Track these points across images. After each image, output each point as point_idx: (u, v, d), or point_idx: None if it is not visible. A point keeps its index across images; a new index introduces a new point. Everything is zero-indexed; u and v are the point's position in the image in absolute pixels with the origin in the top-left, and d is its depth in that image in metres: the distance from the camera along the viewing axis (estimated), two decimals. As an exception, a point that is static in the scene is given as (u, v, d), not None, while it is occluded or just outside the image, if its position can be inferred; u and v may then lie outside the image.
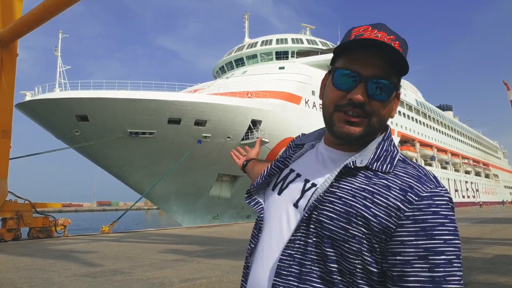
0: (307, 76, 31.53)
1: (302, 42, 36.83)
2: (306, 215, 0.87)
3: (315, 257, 0.84)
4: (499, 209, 41.38)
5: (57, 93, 22.51)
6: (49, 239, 13.57)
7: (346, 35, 0.91)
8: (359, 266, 0.80)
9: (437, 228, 0.77)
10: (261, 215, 1.02)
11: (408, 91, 53.11)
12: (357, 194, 0.83)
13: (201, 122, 23.53)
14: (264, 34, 40.32)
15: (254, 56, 35.46)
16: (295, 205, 0.92)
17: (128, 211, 21.53)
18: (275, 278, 0.87)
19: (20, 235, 13.44)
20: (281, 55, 35.13)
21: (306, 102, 30.58)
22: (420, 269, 0.76)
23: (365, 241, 0.79)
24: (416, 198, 0.79)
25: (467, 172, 65.65)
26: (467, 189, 62.76)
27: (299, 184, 0.95)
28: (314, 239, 0.85)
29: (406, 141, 46.97)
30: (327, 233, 0.83)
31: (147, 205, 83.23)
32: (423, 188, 0.80)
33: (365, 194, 0.82)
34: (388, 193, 0.81)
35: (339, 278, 0.81)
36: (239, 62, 36.01)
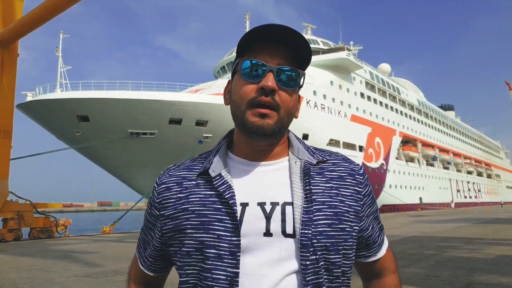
0: (308, 76, 31.36)
1: (303, 42, 36.79)
2: (307, 236, 0.82)
3: (323, 270, 0.83)
4: (500, 209, 41.29)
5: (58, 94, 22.54)
6: (50, 239, 13.59)
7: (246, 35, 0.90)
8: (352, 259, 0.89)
9: (372, 193, 0.96)
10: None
11: (410, 91, 53.05)
12: (330, 194, 0.87)
13: (202, 122, 23.53)
14: (265, 34, 40.23)
15: (255, 56, 35.49)
16: (285, 233, 0.83)
17: (129, 212, 21.53)
18: None
19: (21, 235, 13.45)
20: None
21: (307, 102, 30.54)
22: (376, 225, 0.98)
23: (353, 233, 0.88)
24: (361, 177, 0.93)
25: (469, 172, 65.53)
26: (469, 190, 62.65)
27: (276, 212, 0.85)
28: (319, 253, 0.82)
29: (408, 141, 46.89)
30: (331, 240, 0.83)
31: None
32: (356, 168, 0.95)
33: (335, 191, 0.88)
34: (346, 182, 0.91)
35: (340, 280, 0.86)
36: (240, 62, 36.03)
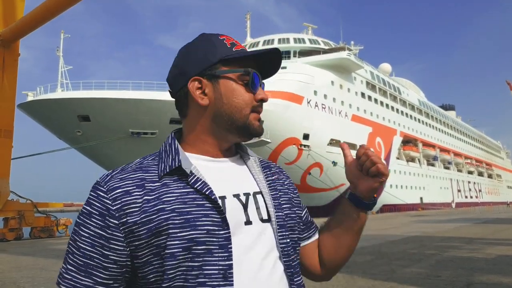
0: (309, 76, 31.49)
1: (304, 42, 36.80)
2: (281, 218, 0.94)
3: (291, 249, 0.94)
4: (502, 209, 41.26)
5: (59, 93, 22.58)
6: (50, 238, 13.61)
7: (222, 43, 0.96)
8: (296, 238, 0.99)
9: (290, 180, 1.09)
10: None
11: (411, 90, 53.05)
12: (279, 183, 1.02)
13: (203, 122, 23.54)
14: (265, 33, 40.39)
15: (256, 56, 35.53)
16: (262, 220, 0.91)
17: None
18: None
19: (22, 234, 13.48)
20: (283, 55, 35.02)
21: (308, 102, 30.54)
22: (305, 211, 1.09)
23: (300, 213, 1.03)
24: (286, 173, 1.09)
25: (470, 172, 65.48)
26: (469, 190, 62.61)
27: (251, 202, 0.92)
28: (289, 233, 0.94)
29: (408, 141, 46.86)
30: (293, 221, 0.97)
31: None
32: (279, 167, 1.10)
33: (281, 181, 1.03)
34: (283, 175, 1.06)
35: (295, 255, 0.96)
36: (241, 61, 36.06)
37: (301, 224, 1.03)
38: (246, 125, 0.95)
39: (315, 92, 31.70)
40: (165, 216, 0.81)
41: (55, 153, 23.62)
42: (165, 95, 22.89)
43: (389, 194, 37.96)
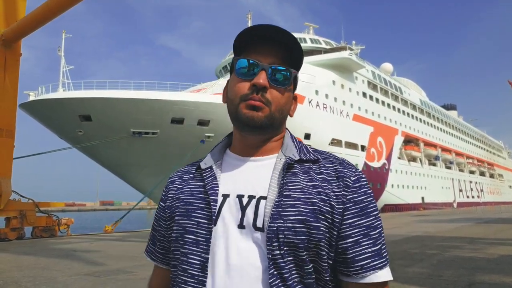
0: (310, 76, 31.44)
1: (305, 42, 36.75)
2: (272, 230, 0.82)
3: (292, 265, 0.83)
4: (504, 209, 41.16)
5: (61, 93, 22.60)
6: (52, 238, 13.61)
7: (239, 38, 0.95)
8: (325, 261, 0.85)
9: (369, 206, 0.88)
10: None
11: (412, 90, 52.91)
12: (311, 191, 0.86)
13: (204, 122, 23.54)
14: (267, 34, 40.15)
15: (257, 55, 35.50)
16: (255, 227, 0.85)
17: (131, 211, 21.56)
18: None
19: (24, 234, 13.48)
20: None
21: (309, 102, 30.50)
22: (367, 246, 0.85)
23: (327, 234, 0.84)
24: (351, 182, 0.88)
25: (471, 172, 65.30)
26: (471, 189, 62.45)
27: (251, 206, 0.88)
28: (286, 248, 0.82)
29: (410, 140, 46.77)
30: (301, 237, 0.82)
31: (150, 204, 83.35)
32: (349, 172, 0.90)
33: (318, 190, 0.86)
34: (332, 185, 0.88)
35: (314, 276, 0.84)
36: (242, 61, 36.04)
37: (326, 243, 0.84)
38: (236, 115, 0.92)
39: (317, 92, 31.66)
40: (177, 204, 0.95)
41: (56, 153, 23.65)
42: (167, 95, 22.92)
43: (391, 194, 37.91)
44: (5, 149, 13.00)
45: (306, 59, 34.06)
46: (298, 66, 0.97)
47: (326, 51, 36.33)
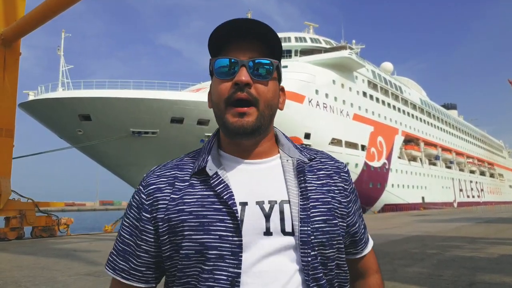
0: (310, 75, 31.43)
1: (305, 41, 36.76)
2: (306, 233, 0.84)
3: (320, 265, 0.86)
4: (504, 209, 41.17)
5: (60, 93, 22.60)
6: (52, 238, 13.61)
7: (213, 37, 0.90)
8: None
9: (356, 191, 0.99)
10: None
11: (412, 90, 52.92)
12: (323, 190, 0.90)
13: (204, 122, 23.54)
14: (267, 33, 40.15)
15: (257, 55, 35.51)
16: (284, 232, 0.84)
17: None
18: None
19: (23, 234, 13.48)
20: (284, 53, 35.03)
21: (309, 101, 30.49)
22: (361, 223, 1.00)
23: (343, 228, 0.91)
24: (346, 175, 0.97)
25: (471, 172, 65.32)
26: (471, 189, 62.47)
27: (275, 211, 0.86)
28: (317, 249, 0.85)
29: (410, 140, 46.76)
30: (326, 235, 0.86)
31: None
32: (341, 166, 0.99)
33: (326, 188, 0.91)
34: (334, 180, 0.94)
35: (334, 272, 0.89)
36: (242, 61, 36.07)
37: (344, 237, 0.92)
38: (223, 123, 0.87)
39: (317, 91, 31.65)
40: (183, 218, 0.84)
41: (56, 152, 23.68)
42: (166, 94, 22.92)
43: (391, 194, 37.92)
44: (4, 149, 12.99)
45: (306, 58, 34.09)
46: (277, 55, 0.91)
47: (326, 50, 36.33)
